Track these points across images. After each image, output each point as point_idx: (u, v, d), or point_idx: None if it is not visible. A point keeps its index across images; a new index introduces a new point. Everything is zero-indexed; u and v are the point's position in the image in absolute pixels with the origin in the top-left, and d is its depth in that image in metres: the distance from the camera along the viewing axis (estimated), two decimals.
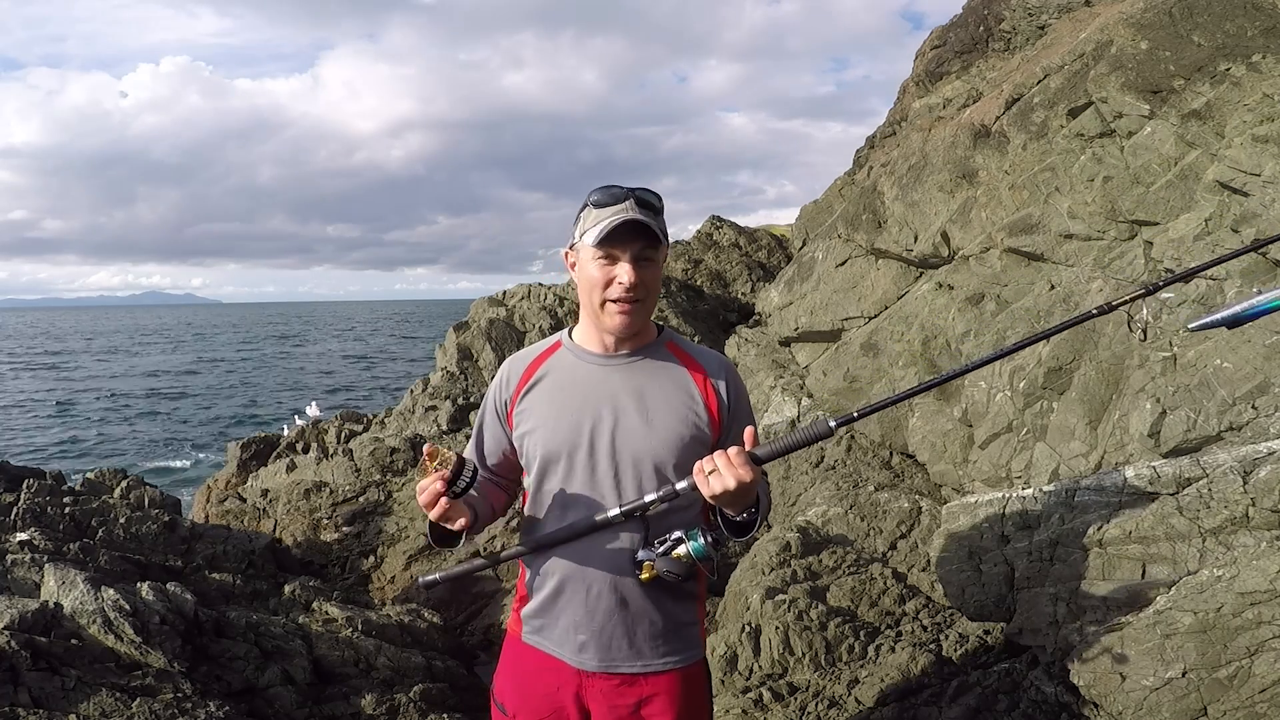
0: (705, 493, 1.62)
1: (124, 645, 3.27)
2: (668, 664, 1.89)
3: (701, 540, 1.73)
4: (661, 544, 1.76)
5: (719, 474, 1.59)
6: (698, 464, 1.64)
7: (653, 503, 1.73)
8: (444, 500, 1.69)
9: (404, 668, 3.98)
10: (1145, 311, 1.76)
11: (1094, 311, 1.82)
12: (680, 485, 1.71)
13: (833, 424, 1.64)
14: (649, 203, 1.78)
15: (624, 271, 1.75)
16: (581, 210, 1.82)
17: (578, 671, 1.88)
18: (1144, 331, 1.78)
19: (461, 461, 1.70)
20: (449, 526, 1.76)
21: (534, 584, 1.92)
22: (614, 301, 1.78)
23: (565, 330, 2.01)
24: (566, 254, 1.90)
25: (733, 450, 1.61)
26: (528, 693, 1.94)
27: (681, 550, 1.74)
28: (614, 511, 1.75)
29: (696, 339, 8.44)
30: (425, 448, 1.73)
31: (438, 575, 1.88)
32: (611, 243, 1.74)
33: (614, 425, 1.83)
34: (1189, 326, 1.92)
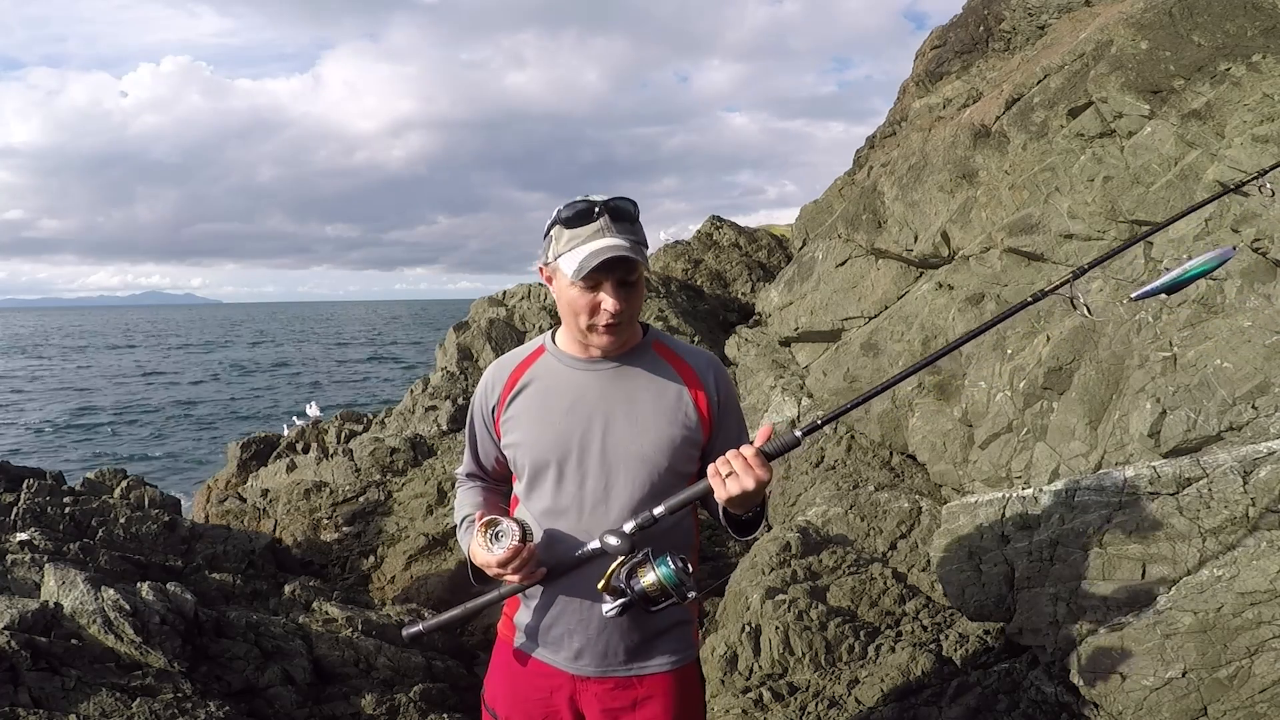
0: (722, 495, 1.59)
1: (124, 645, 3.27)
2: (663, 665, 1.88)
3: (671, 566, 1.65)
4: (630, 565, 1.68)
5: (737, 477, 1.57)
6: (712, 466, 1.61)
7: (633, 531, 1.67)
8: (533, 568, 1.73)
9: (404, 668, 3.98)
10: (1079, 293, 1.90)
11: (1029, 300, 1.93)
12: (658, 511, 1.67)
13: (799, 434, 1.64)
14: (624, 213, 1.71)
15: (608, 300, 1.70)
16: (551, 227, 1.75)
17: (572, 677, 1.86)
18: (1087, 308, 1.91)
19: (523, 527, 1.72)
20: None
21: (525, 590, 1.89)
22: (601, 326, 1.74)
23: (549, 334, 1.95)
24: (541, 269, 1.82)
25: (748, 451, 1.59)
26: (520, 697, 1.92)
27: (650, 579, 1.66)
28: (593, 545, 1.71)
29: (696, 339, 8.44)
30: (479, 520, 1.73)
31: (420, 626, 1.86)
32: (593, 273, 1.67)
33: (604, 432, 1.80)
34: (1131, 296, 2.04)
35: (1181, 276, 1.92)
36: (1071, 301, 1.89)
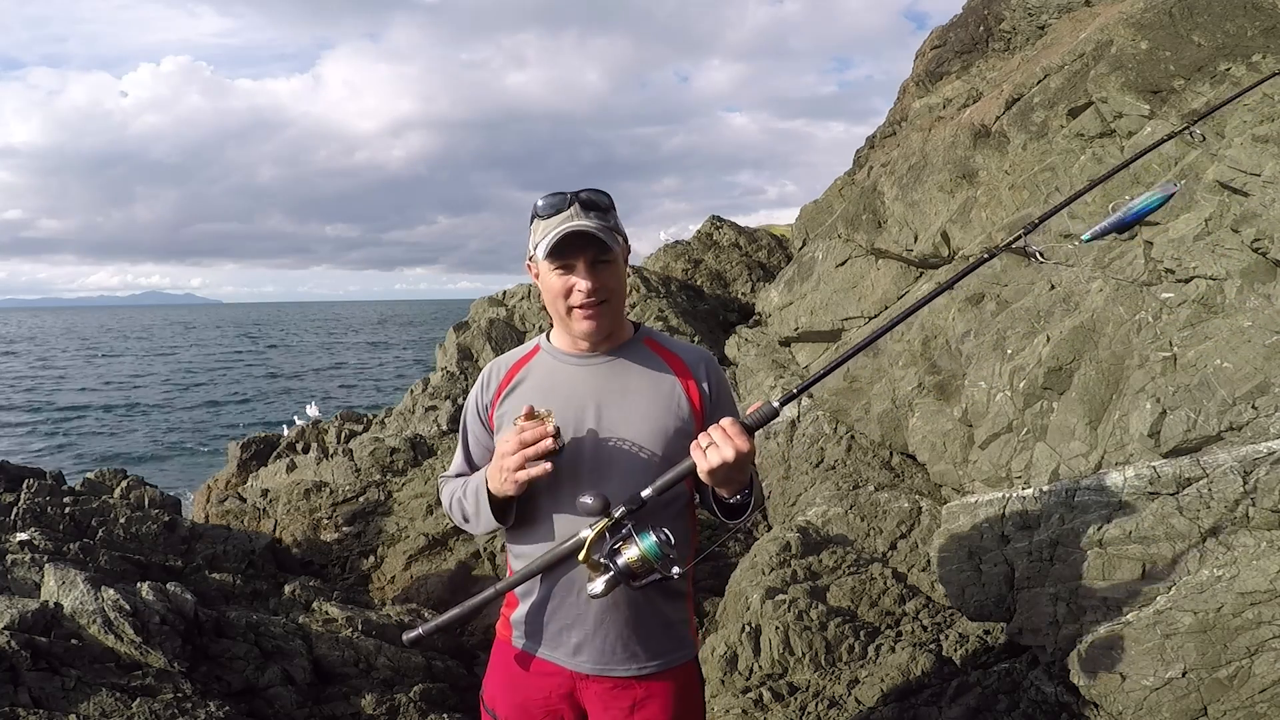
0: (704, 467, 1.59)
1: (124, 645, 3.27)
2: (661, 665, 1.88)
3: (653, 538, 1.63)
4: (613, 542, 1.66)
5: (716, 447, 1.58)
6: (694, 442, 1.62)
7: (621, 515, 1.67)
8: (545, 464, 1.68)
9: (404, 668, 3.98)
10: (1033, 247, 2.00)
11: (984, 256, 2.00)
12: (645, 493, 1.68)
13: (775, 404, 1.66)
14: (594, 203, 1.77)
15: (581, 279, 1.76)
16: (531, 222, 1.82)
17: (571, 675, 1.87)
18: (1040, 254, 2.02)
19: (557, 426, 1.69)
20: (513, 493, 1.73)
21: (521, 589, 1.90)
22: (578, 308, 1.79)
23: (544, 334, 2.00)
24: (529, 265, 1.89)
25: (726, 421, 1.60)
26: (520, 697, 1.92)
27: (633, 553, 1.64)
28: (585, 532, 1.70)
29: (696, 339, 8.44)
30: (524, 410, 1.70)
31: (420, 630, 1.85)
32: (563, 254, 1.74)
33: (596, 423, 1.82)
34: (1083, 238, 2.12)
35: (1128, 215, 2.01)
36: (1024, 251, 1.97)
